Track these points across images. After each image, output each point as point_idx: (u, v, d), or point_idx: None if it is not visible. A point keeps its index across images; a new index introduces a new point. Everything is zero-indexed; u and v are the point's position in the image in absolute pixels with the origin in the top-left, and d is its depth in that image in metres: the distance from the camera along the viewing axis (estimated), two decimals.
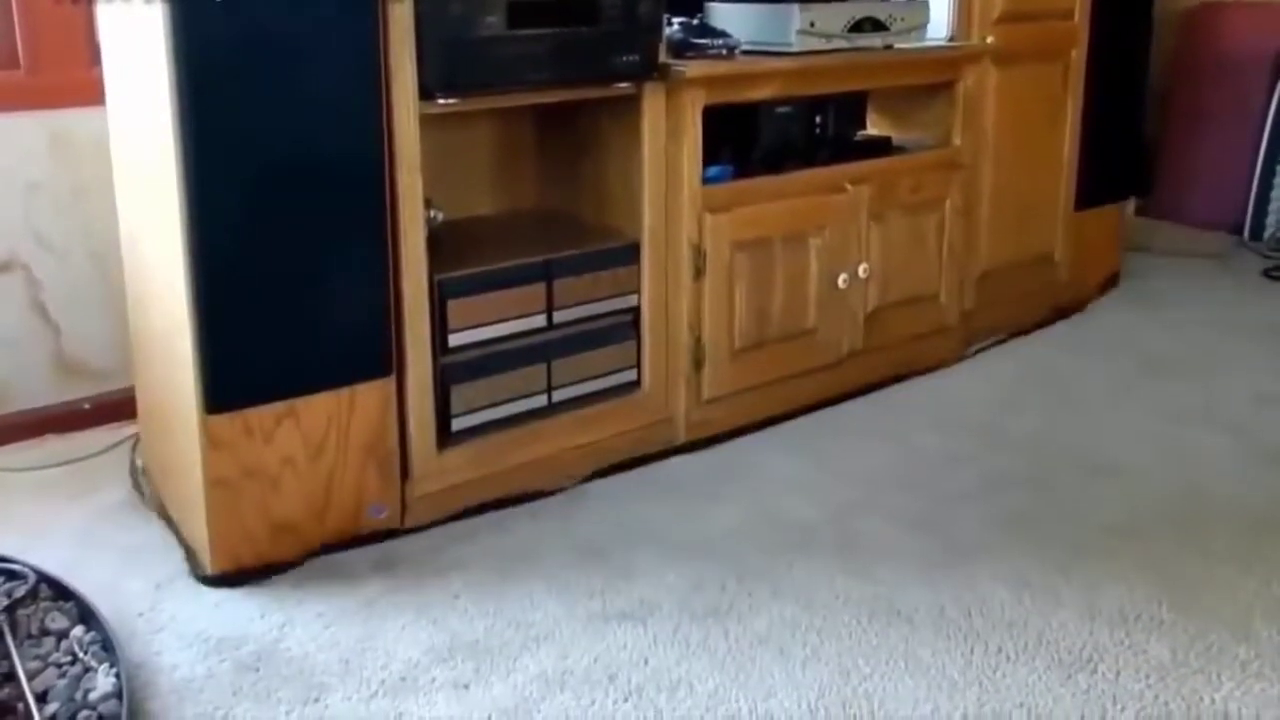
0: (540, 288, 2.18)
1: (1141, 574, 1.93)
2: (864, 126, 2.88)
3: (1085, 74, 3.12)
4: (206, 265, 1.78)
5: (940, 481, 2.28)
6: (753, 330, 2.45)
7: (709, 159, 2.33)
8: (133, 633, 1.74)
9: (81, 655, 1.64)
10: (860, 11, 2.54)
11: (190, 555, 1.96)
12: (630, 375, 2.35)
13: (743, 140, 2.48)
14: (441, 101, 1.99)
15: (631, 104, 2.25)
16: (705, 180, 2.33)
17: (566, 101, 2.22)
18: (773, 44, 2.46)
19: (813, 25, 2.46)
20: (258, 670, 1.68)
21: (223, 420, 1.85)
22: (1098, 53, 3.13)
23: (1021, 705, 1.61)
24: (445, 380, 2.09)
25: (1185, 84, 4.11)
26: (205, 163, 1.75)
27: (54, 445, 2.41)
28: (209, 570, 1.90)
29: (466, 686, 1.65)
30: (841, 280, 2.57)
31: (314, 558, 1.97)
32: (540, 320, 2.20)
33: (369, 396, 1.98)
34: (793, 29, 2.43)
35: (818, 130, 2.63)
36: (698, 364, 2.38)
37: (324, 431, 1.95)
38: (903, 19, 2.63)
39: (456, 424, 2.12)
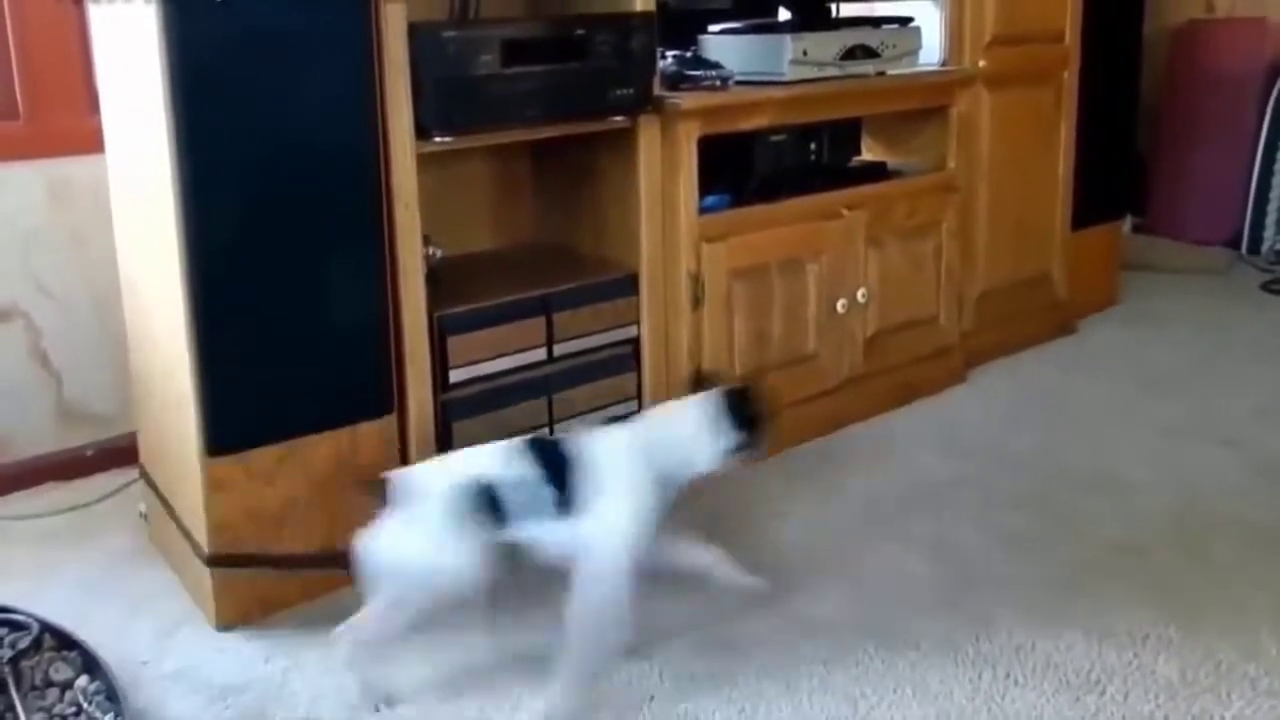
0: (540, 321, 2.19)
1: (1148, 592, 1.93)
2: (859, 152, 2.89)
3: (1077, 95, 3.14)
4: (205, 307, 1.79)
5: (944, 504, 2.27)
6: (753, 357, 2.46)
7: (705, 189, 2.34)
8: (137, 681, 1.73)
9: (86, 706, 1.63)
10: (852, 39, 2.56)
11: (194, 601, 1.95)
12: (631, 406, 2.34)
13: (738, 169, 2.49)
14: (438, 140, 2.00)
15: (627, 137, 2.26)
16: (702, 210, 2.34)
17: (563, 136, 2.23)
18: (766, 74, 2.48)
19: (805, 54, 2.48)
20: (262, 716, 1.67)
21: (224, 463, 1.85)
22: (1089, 73, 3.15)
23: None
24: (447, 417, 2.09)
25: (1177, 101, 4.13)
26: (202, 204, 1.76)
27: (57, 493, 2.41)
28: (213, 616, 1.89)
29: None
30: (840, 305, 2.58)
31: (318, 599, 1.96)
32: (541, 354, 2.20)
33: (370, 435, 1.98)
34: (785, 59, 2.45)
35: (813, 157, 2.64)
36: None
37: (326, 472, 1.95)
38: (894, 45, 2.64)
39: None
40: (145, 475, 2.18)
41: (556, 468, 1.64)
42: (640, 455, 1.67)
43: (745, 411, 1.69)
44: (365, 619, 1.64)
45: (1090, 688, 1.69)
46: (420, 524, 1.61)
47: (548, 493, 1.63)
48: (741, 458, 1.71)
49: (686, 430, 1.69)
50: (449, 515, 1.60)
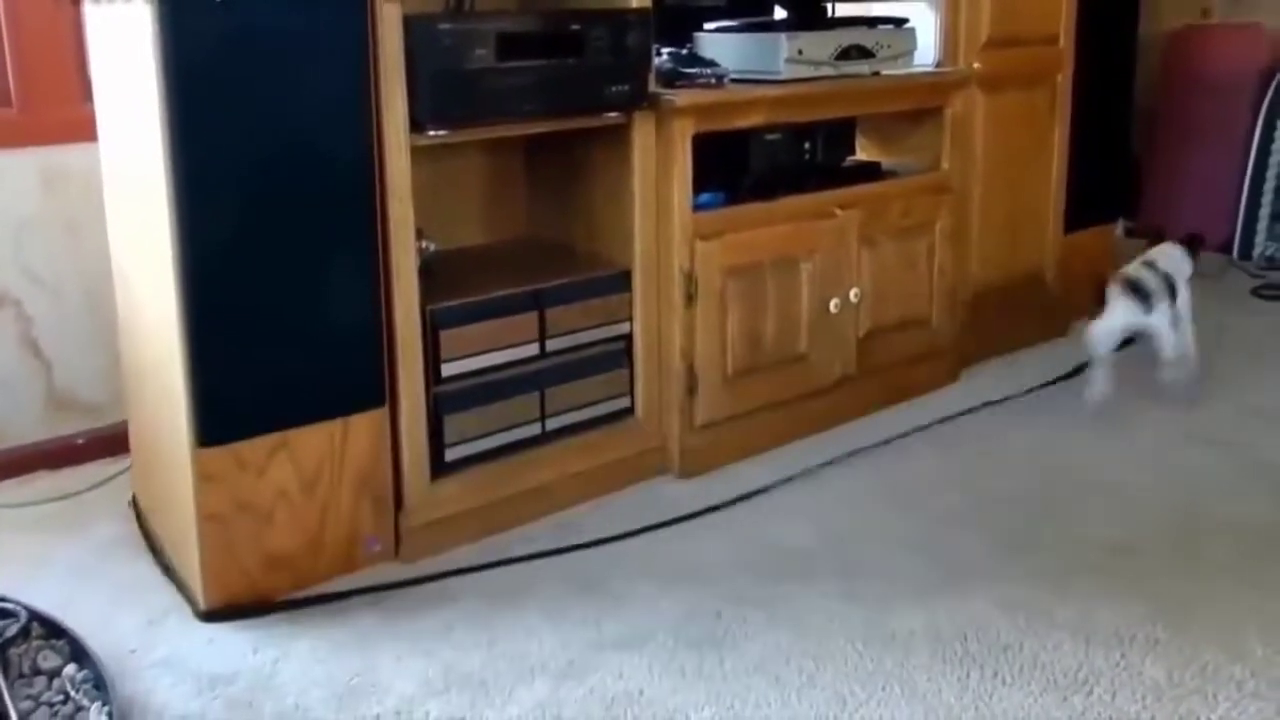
0: (532, 316, 2.19)
1: (1136, 593, 1.93)
2: (853, 152, 2.89)
3: (1071, 97, 3.14)
4: (197, 297, 1.79)
5: (936, 504, 2.28)
6: (745, 356, 2.46)
7: (699, 186, 2.34)
8: (125, 670, 1.73)
9: (73, 694, 1.63)
10: (847, 39, 2.57)
11: (183, 590, 1.95)
12: (624, 402, 2.35)
13: (733, 167, 2.49)
14: (432, 133, 2.00)
15: (622, 133, 2.26)
16: (696, 207, 2.34)
17: (557, 131, 2.23)
18: (761, 72, 2.48)
19: (800, 53, 2.48)
20: (250, 706, 1.67)
21: (214, 454, 1.85)
22: (1083, 76, 3.15)
23: None
24: (438, 410, 2.09)
25: (1171, 106, 4.15)
26: (195, 195, 1.76)
27: (47, 481, 2.40)
28: (202, 605, 1.89)
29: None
30: (833, 305, 2.58)
31: (307, 591, 1.96)
32: (533, 349, 2.20)
33: (362, 428, 1.98)
34: (780, 57, 2.45)
35: (807, 156, 2.64)
36: (691, 390, 2.38)
37: (317, 464, 1.95)
38: (889, 46, 2.65)
39: (450, 454, 2.12)
40: (136, 465, 2.18)
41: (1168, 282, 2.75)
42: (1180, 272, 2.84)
43: (1194, 249, 2.90)
44: (1099, 380, 2.74)
45: (1077, 688, 1.69)
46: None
47: (1167, 298, 2.71)
48: (1192, 275, 2.86)
49: (1180, 259, 2.85)
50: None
